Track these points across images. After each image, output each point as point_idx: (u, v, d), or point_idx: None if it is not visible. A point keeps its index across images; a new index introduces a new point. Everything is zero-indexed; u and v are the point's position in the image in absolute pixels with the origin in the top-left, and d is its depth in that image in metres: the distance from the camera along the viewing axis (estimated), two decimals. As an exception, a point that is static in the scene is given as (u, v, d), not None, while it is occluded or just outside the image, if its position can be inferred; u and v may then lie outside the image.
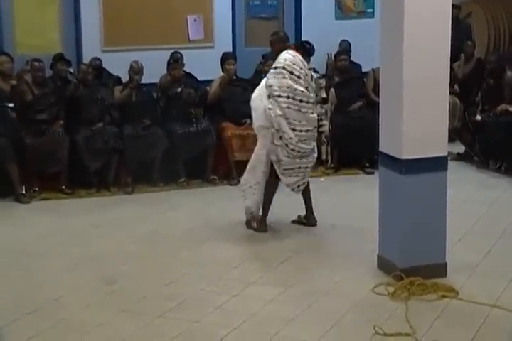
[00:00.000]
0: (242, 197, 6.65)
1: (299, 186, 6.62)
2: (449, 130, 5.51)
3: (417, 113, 5.30)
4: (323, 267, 5.82)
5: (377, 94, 6.92)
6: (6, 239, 6.65)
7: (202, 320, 4.88)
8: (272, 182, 6.60)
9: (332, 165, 8.89)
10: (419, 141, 5.32)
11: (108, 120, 8.37)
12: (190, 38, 9.86)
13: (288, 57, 6.40)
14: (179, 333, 4.70)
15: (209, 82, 8.95)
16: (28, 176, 7.97)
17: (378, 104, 5.77)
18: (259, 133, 6.54)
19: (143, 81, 8.57)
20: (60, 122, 8.18)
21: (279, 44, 6.58)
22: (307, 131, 6.45)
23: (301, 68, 6.39)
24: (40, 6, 9.41)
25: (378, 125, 5.68)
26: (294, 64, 6.36)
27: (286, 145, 6.38)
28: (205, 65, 9.11)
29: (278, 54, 6.47)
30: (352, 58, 9.57)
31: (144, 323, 4.84)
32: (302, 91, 6.35)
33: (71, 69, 8.69)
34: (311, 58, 9.08)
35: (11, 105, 8.13)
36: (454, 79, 8.77)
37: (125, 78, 8.72)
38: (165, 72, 8.79)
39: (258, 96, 6.48)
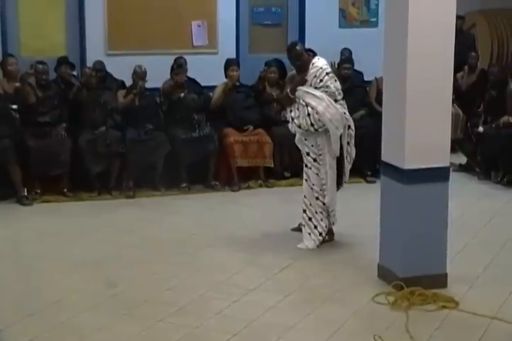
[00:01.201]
0: (332, 217, 6.50)
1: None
2: (451, 141, 5.53)
3: (420, 123, 5.30)
4: (323, 275, 5.82)
5: (380, 104, 6.94)
6: (7, 241, 6.66)
7: (202, 325, 4.88)
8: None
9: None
10: (421, 151, 5.32)
11: (111, 124, 8.37)
12: (194, 44, 9.88)
13: (324, 61, 6.45)
14: (179, 338, 4.69)
15: (212, 88, 8.97)
16: (30, 178, 7.97)
17: (380, 113, 5.79)
18: (336, 141, 6.32)
19: (146, 85, 8.58)
20: (62, 125, 8.19)
21: (307, 54, 6.56)
22: None
23: None
24: (45, 9, 9.44)
25: (380, 134, 5.69)
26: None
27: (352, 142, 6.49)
28: (208, 71, 9.13)
29: (308, 63, 6.40)
30: (355, 67, 9.59)
31: (144, 328, 4.84)
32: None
33: (75, 73, 8.71)
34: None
35: (14, 107, 8.15)
36: (457, 90, 8.80)
37: (129, 82, 8.74)
38: (168, 77, 8.81)
39: (327, 106, 6.28)
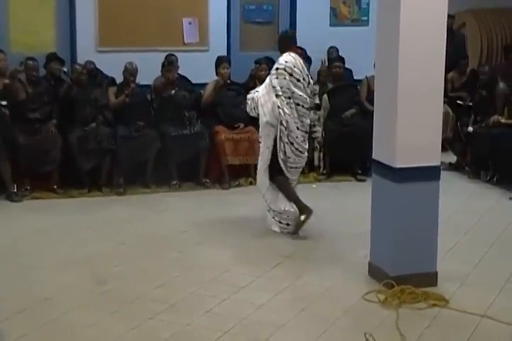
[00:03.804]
0: (265, 202, 6.72)
1: (296, 183, 6.81)
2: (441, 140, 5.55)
3: (411, 122, 5.31)
4: (314, 273, 5.83)
5: (371, 102, 6.96)
6: (-4, 238, 6.65)
7: (192, 323, 4.88)
8: (282, 178, 6.65)
9: (324, 172, 8.93)
10: (412, 150, 5.33)
11: (101, 120, 8.35)
12: (185, 41, 9.86)
13: (289, 59, 6.53)
14: (169, 336, 4.69)
15: (203, 86, 8.96)
16: (20, 175, 7.95)
17: (371, 112, 5.80)
18: (264, 130, 6.59)
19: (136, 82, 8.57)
20: (53, 121, 8.17)
21: (284, 43, 6.73)
22: (305, 131, 6.67)
23: (301, 71, 6.55)
24: (35, 5, 9.38)
25: (371, 132, 5.70)
26: (294, 66, 6.52)
27: (292, 143, 6.52)
28: (199, 69, 9.12)
29: (282, 53, 6.63)
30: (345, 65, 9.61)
31: (135, 325, 4.83)
32: (300, 95, 6.52)
33: (65, 69, 8.68)
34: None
35: (4, 103, 8.12)
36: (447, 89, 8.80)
37: (119, 79, 8.72)
38: (159, 74, 8.80)
39: (266, 94, 6.54)
